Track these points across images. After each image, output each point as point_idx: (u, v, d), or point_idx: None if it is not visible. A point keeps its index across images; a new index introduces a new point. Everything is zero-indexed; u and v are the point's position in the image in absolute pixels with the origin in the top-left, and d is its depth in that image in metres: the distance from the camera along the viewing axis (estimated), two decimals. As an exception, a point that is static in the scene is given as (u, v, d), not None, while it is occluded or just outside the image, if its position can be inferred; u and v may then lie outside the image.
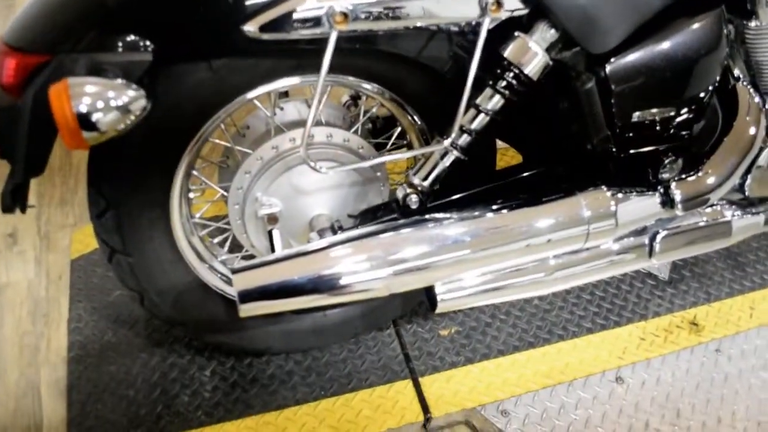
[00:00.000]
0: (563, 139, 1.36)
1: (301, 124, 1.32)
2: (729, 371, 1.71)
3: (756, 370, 1.73)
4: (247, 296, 1.09)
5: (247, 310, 1.09)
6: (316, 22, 1.04)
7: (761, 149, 1.42)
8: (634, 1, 1.17)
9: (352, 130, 1.34)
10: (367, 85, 1.27)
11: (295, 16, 1.03)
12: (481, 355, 1.64)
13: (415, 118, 1.33)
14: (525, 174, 1.38)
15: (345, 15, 1.03)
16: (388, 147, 1.44)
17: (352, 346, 1.64)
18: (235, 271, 1.10)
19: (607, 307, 1.79)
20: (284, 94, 1.44)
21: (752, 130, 1.36)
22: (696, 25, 1.27)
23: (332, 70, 1.21)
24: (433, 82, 1.24)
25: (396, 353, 1.63)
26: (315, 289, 1.12)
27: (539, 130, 1.42)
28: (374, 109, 1.39)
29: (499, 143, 1.45)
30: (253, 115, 1.37)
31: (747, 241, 2.02)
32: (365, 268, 1.13)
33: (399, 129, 1.40)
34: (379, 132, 1.52)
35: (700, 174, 1.31)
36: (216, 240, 1.47)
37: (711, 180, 1.30)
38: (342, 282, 1.13)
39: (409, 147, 1.41)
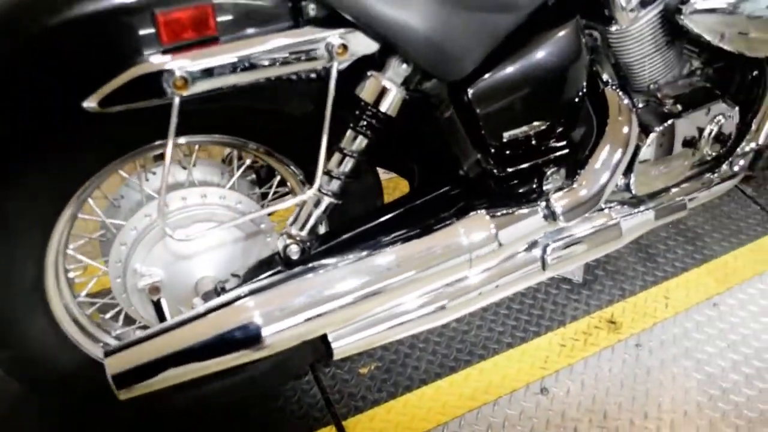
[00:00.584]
0: (444, 165, 1.36)
1: (175, 187, 1.29)
2: (651, 364, 1.73)
3: (677, 359, 1.75)
4: (124, 379, 1.04)
5: (126, 392, 1.05)
6: (157, 90, 1.01)
7: (638, 147, 1.44)
8: (482, 27, 1.17)
9: (228, 185, 1.31)
10: (233, 140, 1.25)
11: (134, 86, 1.00)
12: (404, 388, 1.62)
13: (291, 166, 1.31)
14: (414, 203, 1.37)
15: (185, 80, 1.00)
16: (271, 197, 1.42)
17: (270, 399, 1.60)
18: (107, 354, 1.06)
19: (525, 318, 1.80)
20: (160, 157, 1.41)
21: (625, 130, 1.37)
22: (553, 39, 1.28)
23: (192, 130, 1.19)
24: (299, 129, 1.23)
25: (316, 399, 1.60)
26: (196, 359, 1.08)
27: (420, 159, 1.42)
28: (248, 161, 1.36)
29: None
30: (126, 184, 1.34)
31: (656, 231, 2.06)
32: (245, 330, 1.10)
33: (279, 177, 1.38)
34: (264, 181, 1.49)
35: (577, 183, 1.32)
36: (108, 315, 1.42)
37: (589, 188, 1.31)
38: (223, 347, 1.09)
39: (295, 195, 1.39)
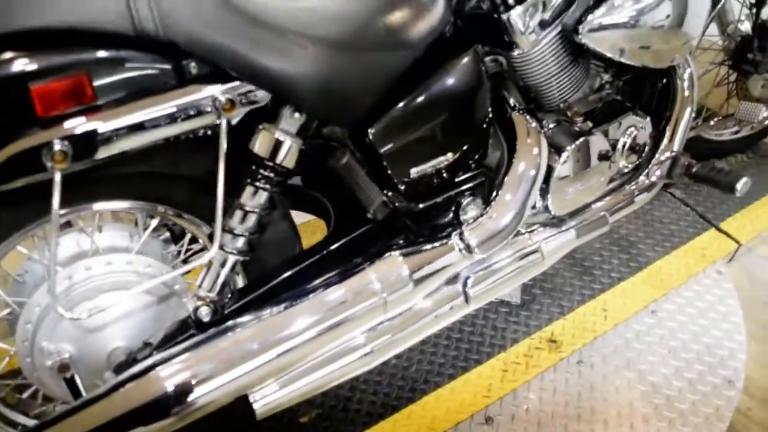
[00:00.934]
0: (357, 206, 1.34)
1: (78, 257, 1.24)
2: (594, 380, 1.72)
3: (619, 370, 1.75)
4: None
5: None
6: (37, 166, 0.97)
7: (552, 168, 1.43)
8: (375, 68, 1.16)
9: (136, 249, 1.27)
10: (139, 205, 1.21)
11: (12, 164, 0.96)
12: (346, 434, 1.59)
13: (203, 226, 1.28)
14: (329, 248, 1.34)
15: (64, 153, 0.97)
16: (183, 256, 1.38)
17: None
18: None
19: (465, 347, 1.78)
20: (66, 225, 1.36)
21: (534, 153, 1.37)
22: (452, 70, 1.28)
23: (93, 198, 1.16)
24: (204, 188, 1.19)
25: (256, 456, 1.55)
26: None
27: (333, 201, 1.39)
28: (154, 223, 1.32)
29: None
30: (29, 258, 1.28)
31: (590, 243, 2.06)
32: (157, 402, 1.06)
33: (189, 235, 1.34)
34: (180, 237, 1.45)
35: (489, 213, 1.31)
36: (25, 394, 1.36)
37: (502, 217, 1.30)
38: (136, 422, 1.05)
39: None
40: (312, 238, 1.36)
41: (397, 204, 1.30)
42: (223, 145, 1.07)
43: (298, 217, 1.38)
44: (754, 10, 1.92)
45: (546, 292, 1.92)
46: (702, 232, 2.13)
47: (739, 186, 1.56)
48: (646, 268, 2.00)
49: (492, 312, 1.85)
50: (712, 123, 2.16)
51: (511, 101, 1.45)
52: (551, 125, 1.49)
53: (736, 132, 2.34)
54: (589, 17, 1.37)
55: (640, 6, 1.42)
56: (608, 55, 1.43)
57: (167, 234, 1.44)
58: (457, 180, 1.34)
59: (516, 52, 1.40)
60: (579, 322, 1.84)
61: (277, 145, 1.11)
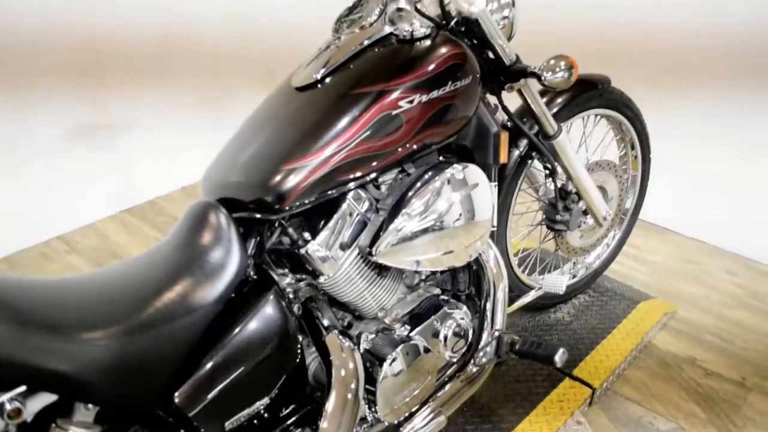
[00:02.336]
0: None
1: None
2: None
3: None
4: None
5: None
6: None
7: (375, 380, 1.48)
8: (169, 339, 1.19)
9: None
10: None
11: None
12: None
13: None
14: None
15: None
16: None
17: None
18: None
19: None
20: None
21: (349, 372, 1.42)
22: (253, 316, 1.34)
23: None
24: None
25: None
26: None
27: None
28: None
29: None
30: None
31: (452, 419, 2.09)
32: None
33: None
34: None
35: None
36: None
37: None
38: None
39: None
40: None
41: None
42: (16, 449, 1.07)
43: None
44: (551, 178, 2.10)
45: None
46: (557, 383, 2.21)
47: (557, 358, 1.67)
48: (508, 434, 2.05)
49: None
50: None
51: (326, 322, 1.50)
52: (371, 336, 1.56)
53: (573, 276, 2.51)
54: (381, 237, 1.47)
55: (430, 218, 1.52)
56: (407, 268, 1.53)
57: None
58: (280, 416, 1.38)
59: (322, 279, 1.48)
60: None
61: (74, 442, 1.12)
